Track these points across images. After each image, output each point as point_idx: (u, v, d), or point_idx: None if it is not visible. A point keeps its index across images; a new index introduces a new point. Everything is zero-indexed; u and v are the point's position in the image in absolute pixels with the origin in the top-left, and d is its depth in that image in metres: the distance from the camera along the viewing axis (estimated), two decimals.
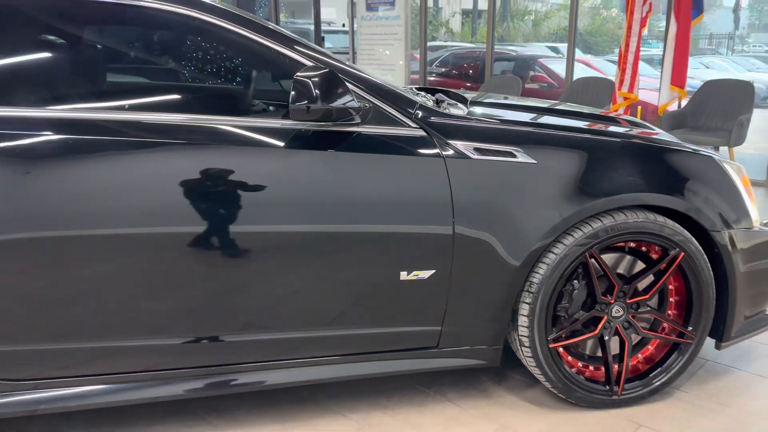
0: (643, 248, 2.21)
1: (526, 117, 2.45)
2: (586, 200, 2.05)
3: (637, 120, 2.98)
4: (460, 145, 2.01)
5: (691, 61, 9.89)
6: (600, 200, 2.06)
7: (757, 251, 2.31)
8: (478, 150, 2.02)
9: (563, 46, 15.99)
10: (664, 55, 6.04)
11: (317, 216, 1.90)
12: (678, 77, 5.85)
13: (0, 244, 1.70)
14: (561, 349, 2.19)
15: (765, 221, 2.42)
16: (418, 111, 2.03)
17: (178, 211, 1.80)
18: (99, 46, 2.07)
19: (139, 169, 1.80)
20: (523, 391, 2.34)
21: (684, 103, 6.15)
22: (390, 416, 2.19)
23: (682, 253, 2.15)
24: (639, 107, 6.33)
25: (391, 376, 2.30)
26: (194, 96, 2.10)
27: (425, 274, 2.02)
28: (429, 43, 8.96)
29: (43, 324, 1.81)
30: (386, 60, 8.20)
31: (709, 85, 6.12)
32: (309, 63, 1.94)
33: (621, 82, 6.11)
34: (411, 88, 2.58)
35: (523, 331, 2.12)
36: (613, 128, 2.41)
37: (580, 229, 2.06)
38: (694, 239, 2.17)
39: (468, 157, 2.00)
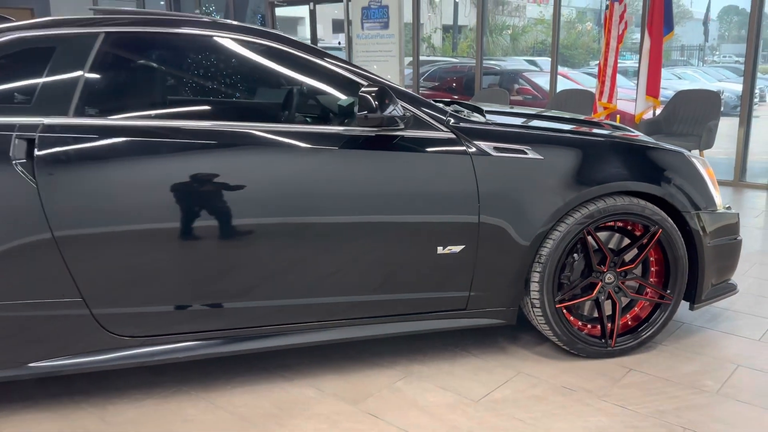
0: (629, 227, 2.73)
1: (531, 122, 2.97)
2: (583, 188, 2.56)
3: (619, 125, 3.52)
4: (482, 144, 2.52)
5: (664, 72, 10.52)
6: (594, 187, 2.57)
7: (720, 230, 2.84)
8: (496, 148, 2.53)
9: (541, 60, 16.66)
10: (639, 68, 6.63)
11: (370, 206, 2.39)
12: (652, 88, 6.43)
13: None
14: (565, 310, 2.69)
15: (727, 206, 2.95)
16: (449, 118, 2.54)
17: (269, 198, 2.28)
18: (210, 69, 2.56)
19: (248, 164, 2.28)
20: (533, 347, 2.84)
21: (658, 111, 6.74)
22: (426, 367, 2.67)
23: (660, 230, 2.67)
24: (618, 116, 6.92)
25: (424, 335, 2.80)
26: (277, 109, 2.60)
27: (456, 248, 2.51)
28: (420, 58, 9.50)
29: (161, 290, 2.27)
30: (381, 75, 8.73)
31: (681, 95, 6.72)
32: (364, 82, 2.45)
33: (600, 93, 6.69)
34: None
35: (534, 294, 2.62)
36: (601, 131, 2.93)
37: (579, 211, 2.58)
38: (669, 218, 2.69)
39: (489, 154, 2.51)
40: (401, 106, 2.45)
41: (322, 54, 2.49)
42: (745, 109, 6.56)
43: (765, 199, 5.98)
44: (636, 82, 6.88)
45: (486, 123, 2.65)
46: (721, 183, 6.50)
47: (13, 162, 2.09)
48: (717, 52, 29.46)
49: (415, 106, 2.51)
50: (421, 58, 9.93)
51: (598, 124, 3.21)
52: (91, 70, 2.24)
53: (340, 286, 2.45)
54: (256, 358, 2.70)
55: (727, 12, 31.57)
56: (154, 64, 2.44)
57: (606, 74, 6.64)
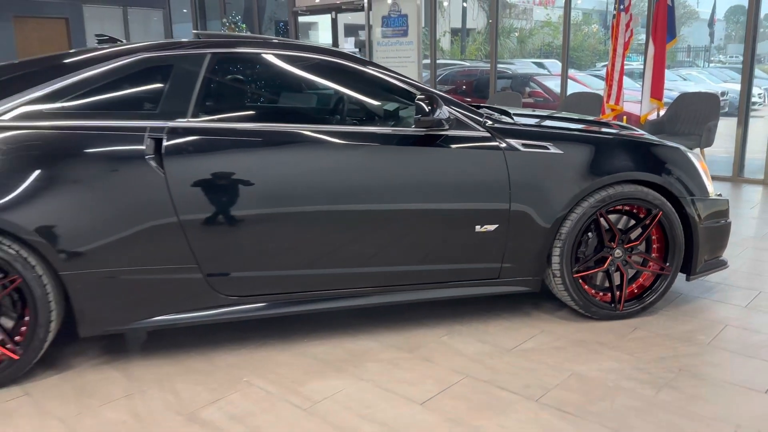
0: (634, 210, 3.27)
1: (551, 122, 3.52)
2: (596, 177, 3.10)
3: (625, 125, 4.05)
4: (512, 141, 3.07)
5: (669, 74, 10.92)
6: (605, 177, 3.11)
7: (712, 214, 3.37)
8: (524, 144, 3.08)
9: (548, 62, 17.10)
10: (644, 73, 7.17)
11: (416, 192, 2.93)
12: (656, 91, 6.97)
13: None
14: (581, 280, 3.23)
15: (718, 193, 3.48)
16: (486, 120, 3.09)
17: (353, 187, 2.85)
18: (294, 82, 3.12)
19: (323, 161, 2.84)
20: (554, 312, 3.38)
21: (662, 112, 7.26)
22: (465, 326, 3.21)
23: (660, 212, 3.21)
24: (624, 117, 7.45)
25: (461, 302, 3.34)
26: (349, 113, 3.19)
27: (491, 227, 3.06)
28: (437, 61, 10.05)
29: (259, 260, 2.81)
30: None
31: (683, 97, 7.24)
32: (417, 92, 2.99)
33: (608, 96, 7.23)
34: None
35: (555, 266, 3.16)
36: (610, 129, 3.47)
37: (593, 197, 3.11)
38: (668, 203, 3.22)
39: (518, 149, 3.06)
40: (446, 109, 3.00)
41: (384, 69, 3.04)
42: (742, 110, 7.08)
43: (761, 193, 6.50)
44: (641, 86, 7.42)
45: (514, 124, 3.19)
46: (722, 178, 7.03)
47: (146, 156, 2.65)
48: (723, 52, 29.82)
49: (458, 109, 3.05)
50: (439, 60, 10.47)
51: (606, 124, 3.75)
52: (202, 83, 2.80)
53: (397, 257, 3.00)
54: (325, 318, 3.25)
55: (734, 12, 31.82)
56: (251, 78, 3.00)
57: (613, 78, 7.17)
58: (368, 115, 3.21)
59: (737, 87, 14.86)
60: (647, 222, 3.24)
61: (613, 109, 7.21)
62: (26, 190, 2.54)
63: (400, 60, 9.30)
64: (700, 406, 2.47)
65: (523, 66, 15.67)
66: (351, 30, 14.08)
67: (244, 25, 11.03)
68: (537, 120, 3.54)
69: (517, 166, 3.04)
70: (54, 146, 2.61)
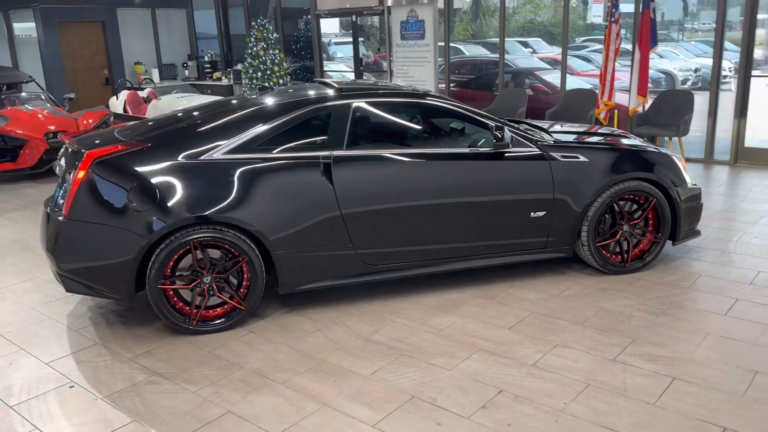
0: (636, 198, 4.71)
1: (578, 137, 4.93)
2: (612, 176, 4.53)
3: (626, 133, 5.47)
4: (554, 154, 4.48)
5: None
6: (618, 176, 4.54)
7: (689, 197, 4.82)
8: (562, 156, 4.50)
9: (532, 41, 18.30)
10: (631, 74, 8.59)
11: (489, 190, 4.34)
12: (642, 89, 8.39)
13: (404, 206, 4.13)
14: (602, 248, 4.67)
15: (694, 183, 4.93)
16: (537, 139, 4.50)
17: (440, 190, 4.24)
18: (414, 118, 4.52)
19: (432, 173, 4.23)
20: (581, 270, 4.84)
21: (647, 106, 8.71)
22: (521, 282, 4.65)
23: (655, 199, 4.65)
24: (616, 111, 8.89)
25: (515, 267, 4.78)
26: (442, 139, 4.58)
27: (541, 213, 4.48)
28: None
29: (393, 239, 4.21)
30: (418, 77, 10.61)
31: (664, 94, 8.70)
32: (491, 122, 4.39)
33: (602, 93, 8.66)
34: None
35: (584, 239, 4.60)
36: (622, 141, 4.90)
37: (609, 190, 4.54)
38: (660, 192, 4.67)
39: (558, 159, 4.48)
40: (508, 134, 4.39)
41: (465, 106, 4.43)
42: (713, 101, 8.55)
43: (727, 173, 8.01)
44: (629, 84, 8.85)
45: (555, 141, 4.61)
46: (695, 161, 8.52)
47: (322, 176, 4.02)
48: (697, 19, 31.04)
49: (516, 132, 4.46)
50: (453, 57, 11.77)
51: (612, 134, 5.18)
52: (351, 124, 4.17)
53: (479, 235, 4.42)
54: (425, 279, 4.67)
55: None
56: (385, 117, 4.38)
57: (606, 79, 8.59)
58: (457, 138, 4.61)
59: (709, 62, 16.02)
60: (645, 206, 4.68)
61: (605, 104, 8.64)
62: (247, 199, 3.90)
63: (418, 61, 10.59)
64: (684, 323, 3.95)
65: (520, 56, 16.74)
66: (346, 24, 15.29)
67: (271, 28, 12.22)
68: (567, 134, 4.95)
69: (558, 170, 4.46)
70: (262, 170, 3.97)
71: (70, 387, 3.43)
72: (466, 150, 4.39)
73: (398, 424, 3.02)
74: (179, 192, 3.81)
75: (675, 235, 4.83)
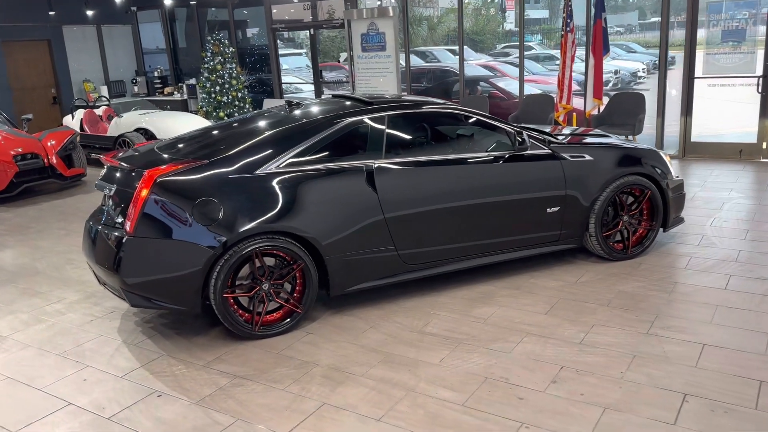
0: (633, 191, 5.24)
1: (582, 139, 5.42)
2: (614, 172, 5.04)
3: (604, 132, 6.02)
4: (564, 154, 4.95)
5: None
6: (619, 171, 5.05)
7: (675, 188, 5.39)
8: (571, 155, 4.97)
9: (456, 48, 18.92)
10: (586, 79, 9.27)
11: (512, 190, 4.76)
12: (597, 92, 9.09)
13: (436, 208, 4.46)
14: (608, 238, 5.17)
15: (677, 176, 5.51)
16: (548, 142, 4.95)
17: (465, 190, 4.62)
18: (439, 125, 4.87)
19: (462, 176, 4.59)
20: (587, 259, 5.32)
21: (602, 108, 9.41)
22: (539, 272, 5.08)
23: (649, 191, 5.20)
24: (574, 113, 9.55)
25: (530, 259, 5.21)
26: (462, 145, 4.95)
27: (555, 209, 4.93)
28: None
29: (429, 240, 4.54)
30: (381, 86, 10.98)
31: (618, 96, 9.43)
32: (509, 128, 4.80)
33: (561, 97, 9.29)
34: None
35: (591, 230, 5.09)
36: (619, 142, 5.43)
37: (612, 185, 5.05)
38: (653, 185, 5.21)
39: (568, 159, 4.94)
40: (525, 137, 4.82)
41: (485, 114, 4.83)
42: (661, 102, 9.34)
43: (678, 166, 8.78)
44: (584, 88, 9.53)
45: (562, 142, 5.08)
46: None
47: (366, 183, 4.32)
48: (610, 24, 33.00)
49: (531, 136, 4.90)
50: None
51: (602, 135, 5.71)
52: (386, 136, 4.49)
53: (500, 231, 4.81)
54: (454, 274, 5.01)
55: None
56: (418, 127, 4.71)
57: (564, 84, 9.24)
58: (475, 143, 4.99)
59: (625, 63, 17.01)
60: (641, 198, 5.22)
61: (564, 108, 9.28)
62: (301, 208, 4.14)
63: (379, 71, 10.97)
64: (694, 298, 4.48)
65: (439, 54, 17.12)
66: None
67: (227, 41, 12.29)
68: (569, 137, 5.44)
69: (568, 169, 4.93)
70: (313, 180, 4.22)
71: (158, 396, 3.57)
72: (492, 154, 4.78)
73: (485, 401, 3.35)
74: (240, 204, 4.01)
75: (666, 222, 5.40)
